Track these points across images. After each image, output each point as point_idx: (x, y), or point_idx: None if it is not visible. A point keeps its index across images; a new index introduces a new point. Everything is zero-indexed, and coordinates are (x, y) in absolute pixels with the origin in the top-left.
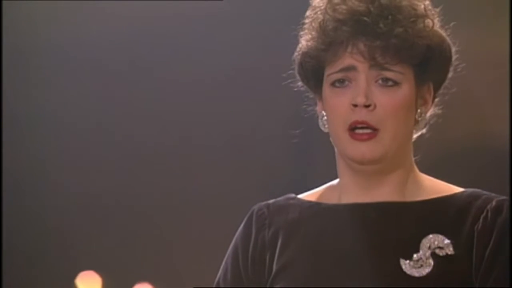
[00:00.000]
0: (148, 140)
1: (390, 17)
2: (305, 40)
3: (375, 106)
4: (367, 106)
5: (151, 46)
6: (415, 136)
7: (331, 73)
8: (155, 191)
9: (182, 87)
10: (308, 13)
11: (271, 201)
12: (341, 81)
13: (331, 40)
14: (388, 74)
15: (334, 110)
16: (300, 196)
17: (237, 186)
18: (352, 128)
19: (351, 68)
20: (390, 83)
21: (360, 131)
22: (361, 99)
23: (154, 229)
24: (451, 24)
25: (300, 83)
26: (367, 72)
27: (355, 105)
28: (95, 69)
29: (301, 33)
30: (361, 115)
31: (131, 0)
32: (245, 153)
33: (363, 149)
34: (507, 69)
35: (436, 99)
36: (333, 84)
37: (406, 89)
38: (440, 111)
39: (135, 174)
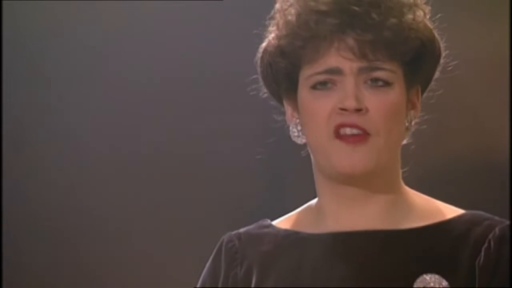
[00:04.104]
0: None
1: (382, 5)
2: (275, 38)
3: (367, 110)
4: (358, 110)
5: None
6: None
7: (312, 75)
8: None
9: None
10: (278, 6)
11: (242, 230)
12: (323, 83)
13: (312, 35)
14: (379, 74)
15: (316, 115)
16: (275, 221)
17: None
18: (339, 131)
19: (336, 71)
20: (380, 83)
21: (349, 131)
22: (350, 102)
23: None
24: (438, 16)
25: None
26: (355, 75)
27: (343, 109)
28: (93, 69)
29: (270, 28)
30: (351, 118)
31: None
32: (216, 165)
33: (353, 157)
34: (507, 72)
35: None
36: (313, 87)
37: (397, 90)
38: (426, 117)
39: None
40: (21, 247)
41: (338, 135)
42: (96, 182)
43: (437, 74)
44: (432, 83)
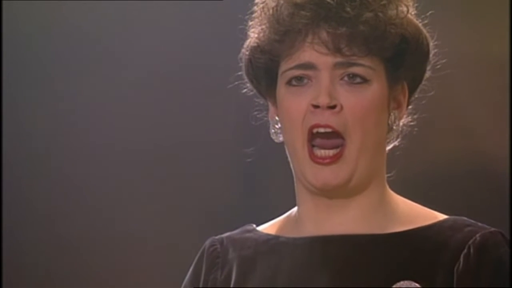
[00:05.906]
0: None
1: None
2: (255, 33)
3: (341, 108)
4: (331, 108)
5: None
6: (387, 148)
7: (286, 70)
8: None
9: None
10: (257, 0)
11: (225, 234)
12: (299, 79)
13: (287, 29)
14: (356, 70)
15: (290, 112)
16: (261, 227)
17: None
18: (313, 130)
19: (309, 66)
20: (358, 79)
21: (322, 130)
22: (323, 99)
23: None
24: (428, 13)
25: (248, 85)
26: (330, 70)
27: (316, 106)
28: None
29: (250, 23)
30: (324, 117)
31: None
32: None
33: (326, 175)
34: (507, 73)
35: (410, 106)
36: (289, 82)
37: (376, 88)
38: (413, 122)
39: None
40: (22, 248)
41: (311, 154)
42: (95, 181)
43: (428, 74)
44: (424, 83)
